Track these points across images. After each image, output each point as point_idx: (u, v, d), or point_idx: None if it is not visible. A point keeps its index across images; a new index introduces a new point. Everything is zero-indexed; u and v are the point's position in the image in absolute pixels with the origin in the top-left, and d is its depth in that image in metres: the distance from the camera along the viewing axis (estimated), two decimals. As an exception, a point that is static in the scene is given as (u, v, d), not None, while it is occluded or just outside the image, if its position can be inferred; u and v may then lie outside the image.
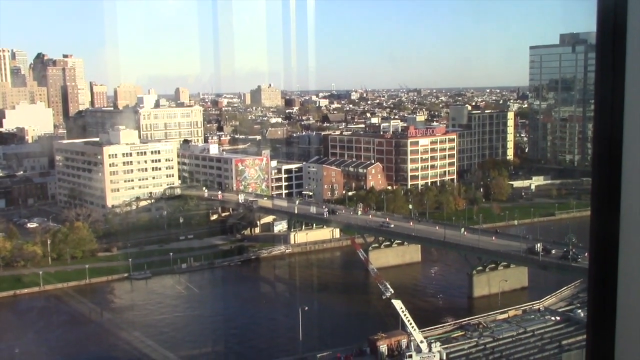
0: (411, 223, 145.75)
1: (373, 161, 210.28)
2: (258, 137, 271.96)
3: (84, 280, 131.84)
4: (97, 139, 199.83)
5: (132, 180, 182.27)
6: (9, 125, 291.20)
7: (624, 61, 4.89)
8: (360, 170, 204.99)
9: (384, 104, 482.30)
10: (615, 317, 5.16)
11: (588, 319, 5.49)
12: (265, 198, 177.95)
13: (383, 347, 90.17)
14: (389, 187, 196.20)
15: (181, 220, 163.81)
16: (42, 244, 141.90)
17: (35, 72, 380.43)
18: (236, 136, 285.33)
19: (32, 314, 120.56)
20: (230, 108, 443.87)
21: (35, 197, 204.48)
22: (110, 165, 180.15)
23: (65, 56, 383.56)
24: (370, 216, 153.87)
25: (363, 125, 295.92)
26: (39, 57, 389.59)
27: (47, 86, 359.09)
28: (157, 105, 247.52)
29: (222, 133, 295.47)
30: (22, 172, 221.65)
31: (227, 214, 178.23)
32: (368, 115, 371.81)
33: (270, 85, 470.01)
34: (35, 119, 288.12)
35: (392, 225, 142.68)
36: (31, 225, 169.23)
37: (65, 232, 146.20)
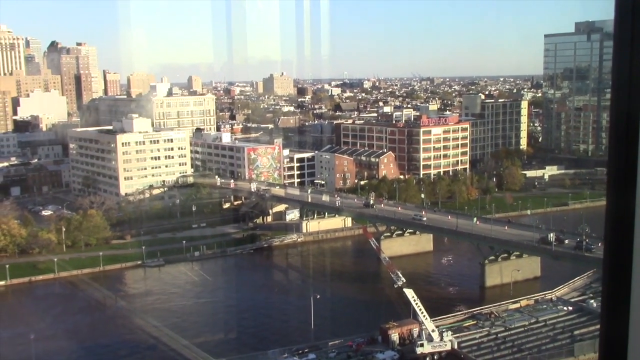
0: (423, 212, 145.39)
1: (385, 150, 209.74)
2: (270, 126, 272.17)
3: (98, 267, 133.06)
4: (111, 127, 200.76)
5: (145, 169, 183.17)
6: (23, 113, 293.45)
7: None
8: (373, 160, 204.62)
9: (397, 93, 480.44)
10: (629, 305, 5.17)
11: (602, 308, 5.50)
12: (278, 187, 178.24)
13: (395, 336, 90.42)
14: (401, 177, 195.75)
15: (194, 209, 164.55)
16: (56, 231, 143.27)
17: (49, 60, 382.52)
18: (248, 125, 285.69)
19: (47, 300, 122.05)
20: (242, 96, 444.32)
21: (50, 184, 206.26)
22: (123, 153, 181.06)
23: (78, 44, 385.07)
24: (399, 208, 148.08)
25: (375, 114, 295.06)
26: (53, 45, 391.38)
27: (61, 74, 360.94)
28: (170, 93, 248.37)
29: (234, 121, 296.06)
30: (36, 160, 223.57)
31: (239, 202, 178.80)
32: (380, 104, 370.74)
33: (282, 73, 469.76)
34: (49, 107, 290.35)
35: (425, 219, 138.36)
36: (46, 212, 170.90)
37: (79, 220, 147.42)
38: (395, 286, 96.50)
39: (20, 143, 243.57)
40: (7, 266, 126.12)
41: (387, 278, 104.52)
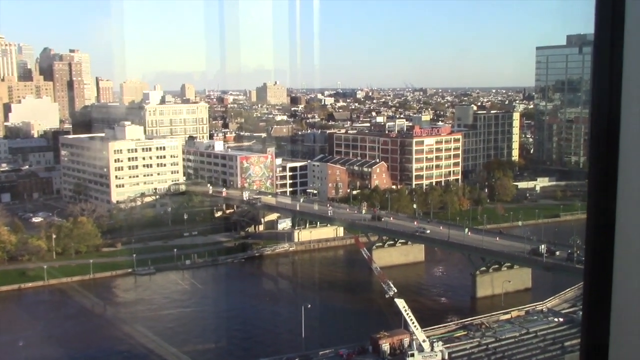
0: (415, 222, 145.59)
1: (378, 160, 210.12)
2: (263, 135, 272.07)
3: (88, 275, 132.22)
4: (103, 135, 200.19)
5: (137, 176, 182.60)
6: (15, 119, 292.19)
7: (622, 60, 4.91)
8: (365, 169, 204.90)
9: (390, 103, 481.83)
10: (609, 313, 5.19)
11: (583, 316, 5.53)
12: (270, 195, 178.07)
13: (385, 346, 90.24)
14: (394, 187, 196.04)
15: (185, 217, 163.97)
16: (46, 238, 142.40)
17: (41, 66, 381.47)
18: (241, 133, 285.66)
19: (36, 307, 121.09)
20: (235, 105, 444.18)
21: (41, 191, 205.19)
22: (115, 160, 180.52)
23: (71, 51, 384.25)
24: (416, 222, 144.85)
25: (368, 124, 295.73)
26: (46, 51, 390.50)
27: (54, 81, 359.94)
28: (162, 101, 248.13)
29: (227, 130, 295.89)
30: (27, 166, 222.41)
31: (231, 211, 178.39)
32: (373, 114, 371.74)
33: (276, 82, 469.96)
34: (41, 114, 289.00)
35: (429, 231, 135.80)
36: (36, 219, 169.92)
37: (70, 227, 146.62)
38: (387, 296, 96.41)
39: (11, 149, 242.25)
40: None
41: (378, 288, 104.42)
